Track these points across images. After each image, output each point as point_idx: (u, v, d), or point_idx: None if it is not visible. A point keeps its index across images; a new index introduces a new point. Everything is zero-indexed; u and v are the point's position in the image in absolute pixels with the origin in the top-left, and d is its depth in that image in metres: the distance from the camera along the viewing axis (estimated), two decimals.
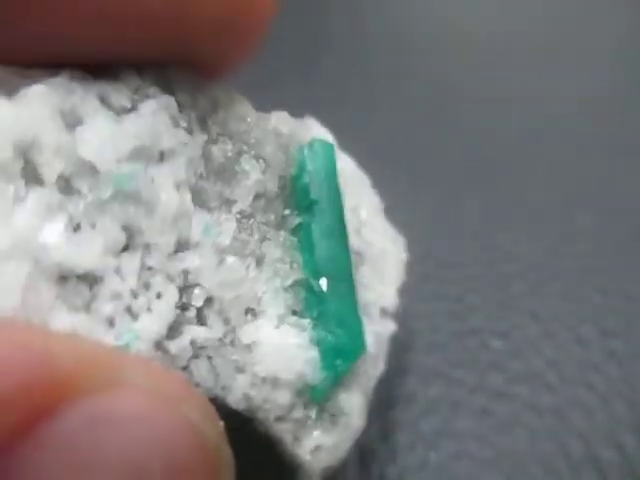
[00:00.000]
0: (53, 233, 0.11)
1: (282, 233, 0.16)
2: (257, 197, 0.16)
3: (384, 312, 0.18)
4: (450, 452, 0.18)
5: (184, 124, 0.14)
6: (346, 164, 0.19)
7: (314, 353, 0.14)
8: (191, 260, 0.13)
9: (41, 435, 0.08)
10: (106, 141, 0.12)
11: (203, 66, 0.15)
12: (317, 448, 0.15)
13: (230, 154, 0.15)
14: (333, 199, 0.16)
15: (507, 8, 0.35)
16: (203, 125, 0.15)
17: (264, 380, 0.14)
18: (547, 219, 0.24)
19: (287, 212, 0.16)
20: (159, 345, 0.12)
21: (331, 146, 0.17)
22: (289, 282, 0.15)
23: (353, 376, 0.16)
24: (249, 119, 0.16)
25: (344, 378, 0.15)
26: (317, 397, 0.15)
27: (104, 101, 0.13)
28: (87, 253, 0.12)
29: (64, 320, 0.11)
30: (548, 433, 0.18)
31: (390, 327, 0.18)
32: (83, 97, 0.12)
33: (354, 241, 0.18)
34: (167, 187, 0.13)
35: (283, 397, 0.14)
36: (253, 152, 0.16)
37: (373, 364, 0.17)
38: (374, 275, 0.18)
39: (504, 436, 0.18)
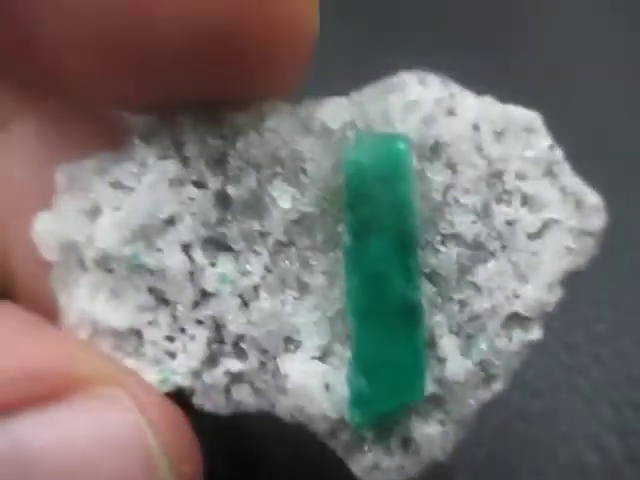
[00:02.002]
0: (99, 304, 0.15)
1: (332, 254, 0.15)
2: (294, 222, 0.15)
3: (516, 319, 0.15)
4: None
5: (193, 177, 0.14)
6: (491, 109, 0.15)
7: (344, 393, 0.14)
8: (213, 307, 0.15)
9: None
10: (109, 231, 0.14)
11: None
12: (375, 467, 0.15)
13: (254, 185, 0.15)
14: (386, 214, 0.14)
15: None
16: (218, 166, 0.15)
17: (300, 407, 0.14)
18: None
19: (340, 228, 0.15)
20: (197, 376, 0.15)
21: (391, 139, 0.14)
22: (334, 311, 0.15)
23: (433, 404, 0.15)
24: (279, 134, 0.15)
25: (419, 406, 0.14)
26: (358, 429, 0.14)
27: (115, 185, 0.15)
28: (121, 315, 0.15)
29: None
30: (537, 438, 0.19)
31: (525, 337, 0.15)
32: (99, 190, 0.15)
33: (471, 230, 0.15)
34: (172, 253, 0.14)
35: (321, 425, 0.15)
36: (290, 169, 0.15)
37: (470, 392, 0.15)
38: (508, 270, 0.15)
39: (496, 442, 0.19)
